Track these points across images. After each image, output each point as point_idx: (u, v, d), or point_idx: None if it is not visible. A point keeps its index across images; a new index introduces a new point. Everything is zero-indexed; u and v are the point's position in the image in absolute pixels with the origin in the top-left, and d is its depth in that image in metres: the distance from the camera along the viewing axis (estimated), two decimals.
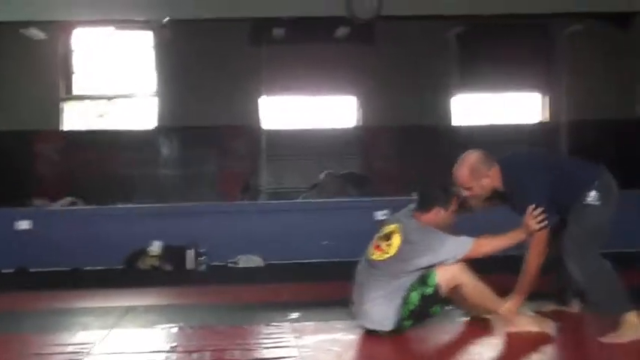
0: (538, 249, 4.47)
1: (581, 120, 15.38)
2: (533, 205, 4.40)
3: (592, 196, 4.46)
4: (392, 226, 4.66)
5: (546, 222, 4.42)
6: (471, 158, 4.66)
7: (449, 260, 4.47)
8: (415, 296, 4.44)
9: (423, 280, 4.46)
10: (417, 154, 16.68)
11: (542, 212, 4.40)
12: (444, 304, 4.56)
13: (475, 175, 4.60)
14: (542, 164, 4.72)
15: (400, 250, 4.49)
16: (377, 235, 4.71)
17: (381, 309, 4.47)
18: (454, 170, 4.67)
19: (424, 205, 4.70)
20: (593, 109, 16.50)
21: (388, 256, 4.51)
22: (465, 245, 4.49)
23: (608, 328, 4.33)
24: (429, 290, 4.43)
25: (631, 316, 4.30)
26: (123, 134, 16.05)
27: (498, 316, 4.58)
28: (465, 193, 4.67)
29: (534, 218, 4.40)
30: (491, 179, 4.60)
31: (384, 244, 4.58)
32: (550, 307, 5.02)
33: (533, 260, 4.50)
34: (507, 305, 4.51)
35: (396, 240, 4.53)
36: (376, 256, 4.57)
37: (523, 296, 4.57)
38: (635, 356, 4.15)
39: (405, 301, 4.45)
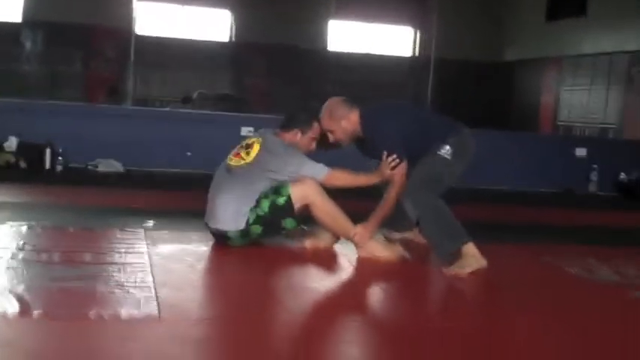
0: (397, 185, 4.62)
1: (449, 58, 15.73)
2: (386, 153, 4.56)
3: (445, 149, 4.64)
4: (253, 138, 4.75)
5: (401, 163, 4.58)
6: (331, 102, 4.84)
7: (311, 169, 4.59)
8: (266, 203, 4.51)
9: (276, 190, 4.53)
10: (289, 75, 16.71)
11: (396, 158, 4.57)
12: (298, 221, 4.62)
13: (334, 117, 4.77)
14: (401, 115, 4.90)
15: (258, 157, 4.57)
16: (237, 146, 4.75)
17: (230, 209, 4.52)
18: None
19: (286, 124, 4.81)
20: (462, 49, 16.94)
21: (245, 162, 4.58)
22: (320, 171, 4.58)
23: (452, 259, 4.50)
24: (281, 200, 4.50)
25: (469, 248, 4.48)
26: None
27: (350, 240, 4.69)
28: (330, 136, 4.83)
29: (388, 164, 4.57)
30: (349, 122, 4.75)
31: (243, 152, 4.65)
32: (397, 235, 5.18)
33: (392, 194, 4.64)
34: (359, 229, 4.62)
35: (256, 148, 4.61)
36: (234, 162, 4.64)
37: (376, 223, 4.71)
38: (474, 285, 4.35)
39: (256, 205, 4.51)
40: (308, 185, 4.52)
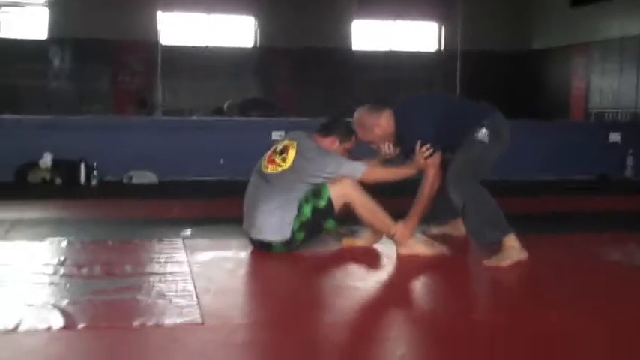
0: (431, 179, 4.63)
1: (475, 51, 15.63)
2: (419, 143, 4.57)
3: (482, 132, 4.63)
4: (286, 142, 4.70)
5: (435, 153, 4.58)
6: (357, 116, 4.84)
7: (349, 167, 4.58)
8: (307, 208, 4.50)
9: (315, 194, 4.50)
10: (316, 77, 16.73)
11: (430, 148, 4.58)
12: (338, 221, 4.62)
13: (366, 128, 4.78)
14: (431, 105, 4.93)
15: (294, 164, 4.54)
16: (270, 151, 4.73)
17: (274, 220, 4.50)
18: None
19: (324, 130, 4.77)
20: (488, 40, 16.84)
21: (282, 169, 4.55)
22: (359, 169, 4.58)
23: (491, 251, 4.49)
24: (322, 203, 4.49)
25: (510, 240, 4.47)
26: (13, 44, 15.52)
27: (391, 238, 4.68)
28: (374, 146, 4.86)
29: (422, 154, 4.58)
30: (381, 127, 4.76)
31: (278, 158, 4.60)
32: (435, 229, 5.17)
33: (426, 189, 4.65)
34: (399, 227, 4.61)
35: (291, 154, 4.57)
36: (270, 169, 4.59)
37: (416, 220, 4.70)
38: (515, 277, 4.32)
39: (298, 213, 4.50)
40: (346, 184, 4.51)
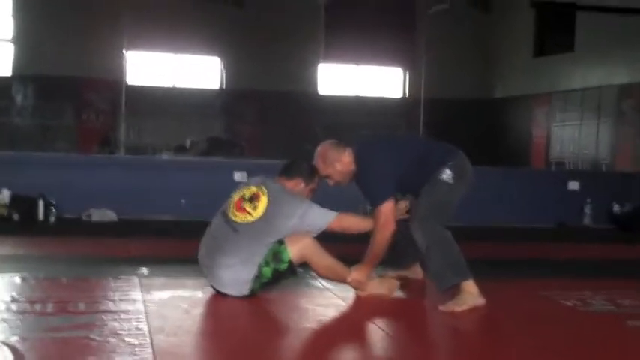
0: (380, 226, 4.60)
1: (439, 97, 15.81)
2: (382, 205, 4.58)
3: (447, 173, 4.62)
4: (254, 188, 4.60)
5: (388, 200, 4.60)
6: (321, 149, 4.82)
7: (312, 228, 4.51)
8: (268, 271, 4.43)
9: (276, 257, 4.44)
10: (281, 119, 16.78)
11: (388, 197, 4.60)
12: (296, 272, 4.59)
13: (327, 162, 4.75)
14: (392, 146, 4.89)
15: (267, 212, 4.46)
16: (237, 195, 4.62)
17: (233, 275, 4.43)
18: None
19: (288, 173, 4.73)
20: (452, 88, 17.05)
21: (252, 219, 4.46)
22: (328, 215, 4.56)
23: (448, 296, 4.49)
24: (283, 266, 4.44)
25: (469, 285, 4.48)
26: None
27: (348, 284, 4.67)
28: (329, 182, 4.82)
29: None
30: (343, 164, 4.75)
31: (248, 207, 4.51)
32: (392, 273, 5.17)
33: (377, 236, 4.62)
34: (353, 274, 4.61)
35: (263, 202, 4.49)
36: (239, 218, 4.49)
37: (369, 267, 4.69)
38: (470, 322, 4.33)
39: (258, 273, 4.43)
40: (305, 245, 4.46)
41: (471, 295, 4.46)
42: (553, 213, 9.49)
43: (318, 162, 4.77)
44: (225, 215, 4.59)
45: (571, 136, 15.63)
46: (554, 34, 16.25)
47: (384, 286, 4.73)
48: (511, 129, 17.52)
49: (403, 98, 18.25)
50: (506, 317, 4.42)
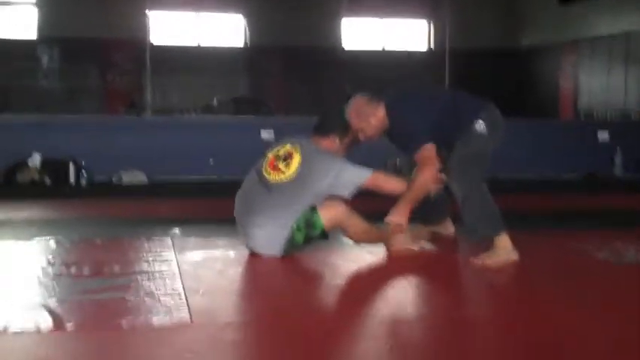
0: (423, 172, 4.56)
1: (464, 48, 15.65)
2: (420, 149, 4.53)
3: (480, 125, 4.58)
4: (288, 146, 4.59)
5: (429, 145, 4.55)
6: (356, 101, 4.75)
7: (347, 186, 4.49)
8: (300, 236, 4.43)
9: (308, 223, 4.43)
10: (305, 76, 16.72)
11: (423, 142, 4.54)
12: (327, 237, 4.59)
13: (362, 116, 4.69)
14: (424, 99, 4.85)
15: (299, 172, 4.45)
16: (271, 153, 4.61)
17: (268, 236, 4.44)
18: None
19: (322, 130, 4.69)
20: (477, 38, 16.87)
21: (285, 177, 4.45)
22: (363, 174, 4.53)
23: (481, 250, 4.49)
24: (316, 232, 4.44)
25: (502, 239, 4.47)
26: (2, 43, 15.47)
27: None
28: (361, 135, 4.76)
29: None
30: (377, 118, 4.69)
31: (281, 164, 4.50)
32: (424, 229, 5.17)
33: (419, 180, 4.57)
34: (393, 218, 4.56)
35: (296, 161, 4.48)
36: (273, 176, 4.48)
37: (408, 207, 4.61)
38: (503, 276, 4.33)
39: (290, 238, 4.43)
40: (338, 211, 4.44)
41: (504, 249, 4.46)
42: (583, 164, 9.43)
43: (351, 116, 4.71)
44: (259, 173, 4.58)
45: (599, 85, 15.45)
46: None
47: (413, 237, 4.74)
48: (537, 79, 17.34)
49: (428, 51, 18.09)
50: (538, 271, 4.41)
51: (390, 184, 4.65)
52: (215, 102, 14.23)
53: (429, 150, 4.56)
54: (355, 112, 4.72)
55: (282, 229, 4.43)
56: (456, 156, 4.59)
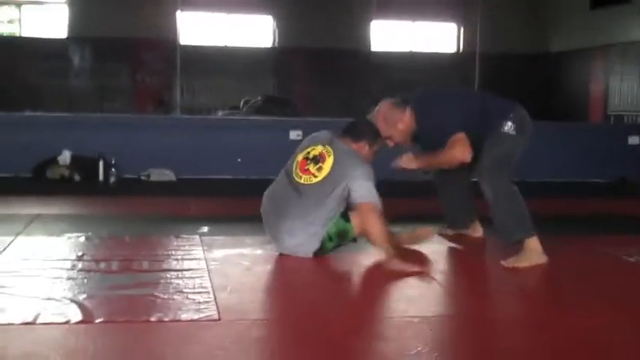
0: (454, 146, 4.50)
1: (494, 52, 15.58)
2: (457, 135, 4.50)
3: (509, 125, 4.56)
4: (320, 147, 4.54)
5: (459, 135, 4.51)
6: (382, 108, 4.73)
7: (352, 195, 4.40)
8: (330, 245, 4.43)
9: (341, 234, 4.43)
10: (334, 77, 16.73)
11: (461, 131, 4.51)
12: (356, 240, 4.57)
13: (389, 122, 4.67)
14: (456, 96, 4.87)
15: (331, 173, 4.41)
16: (301, 154, 4.57)
17: (299, 244, 4.42)
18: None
19: (354, 134, 4.63)
20: (507, 42, 16.79)
21: (317, 180, 4.42)
22: (370, 197, 4.40)
23: (511, 252, 4.46)
24: (347, 241, 4.48)
25: (533, 242, 4.44)
26: (34, 42, 15.62)
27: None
28: (390, 143, 4.74)
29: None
30: (405, 123, 4.67)
31: (313, 168, 4.46)
32: (452, 232, 5.15)
33: (449, 153, 4.52)
34: (407, 155, 4.64)
35: (328, 164, 4.43)
36: (304, 179, 4.45)
37: (426, 161, 4.65)
38: (532, 279, 4.30)
39: (321, 246, 4.42)
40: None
41: (534, 252, 4.43)
42: (613, 168, 9.33)
43: (379, 123, 4.68)
44: (289, 175, 4.55)
45: (630, 90, 15.32)
46: None
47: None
48: (568, 83, 17.23)
49: (457, 53, 18.03)
50: (568, 274, 4.38)
51: (377, 226, 4.38)
52: (242, 103, 14.26)
53: (461, 137, 4.52)
54: (383, 119, 4.69)
55: (313, 239, 4.40)
56: (485, 156, 4.57)
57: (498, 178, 4.52)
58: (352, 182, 4.40)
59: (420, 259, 4.56)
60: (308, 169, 4.48)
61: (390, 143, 4.76)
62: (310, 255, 4.45)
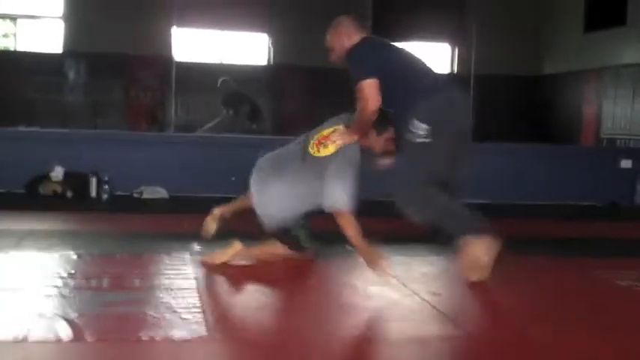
0: (362, 100, 4.40)
1: (487, 74, 15.62)
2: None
3: (418, 128, 4.28)
4: (341, 128, 4.61)
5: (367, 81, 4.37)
6: (342, 18, 4.68)
7: (336, 204, 4.40)
8: (302, 233, 4.58)
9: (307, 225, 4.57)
10: (329, 96, 16.74)
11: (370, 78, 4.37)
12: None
13: (338, 32, 4.63)
14: (388, 50, 4.68)
15: (338, 151, 4.48)
16: (324, 131, 4.65)
17: (277, 207, 4.55)
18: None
19: None
20: (501, 64, 16.85)
21: (320, 155, 4.52)
22: (344, 196, 4.39)
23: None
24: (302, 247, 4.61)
25: (472, 242, 4.26)
26: (29, 56, 15.62)
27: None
28: (332, 54, 4.70)
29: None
30: (352, 41, 4.55)
31: (330, 143, 4.54)
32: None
33: (362, 112, 4.43)
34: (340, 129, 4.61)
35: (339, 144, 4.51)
36: (314, 151, 4.55)
37: (354, 133, 4.52)
38: (516, 299, 4.31)
39: (293, 228, 4.58)
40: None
41: (473, 260, 4.26)
42: (605, 191, 9.35)
43: (330, 29, 4.64)
44: (303, 146, 4.66)
45: (623, 113, 15.37)
46: (605, 8, 15.93)
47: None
48: (561, 106, 17.28)
49: (451, 74, 18.09)
50: (557, 295, 4.39)
51: (350, 230, 4.40)
52: (219, 82, 13.97)
53: (367, 83, 4.36)
54: (335, 28, 4.64)
55: (288, 206, 4.54)
56: (395, 179, 4.42)
57: (410, 196, 4.31)
58: (327, 181, 4.41)
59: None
60: (325, 143, 4.56)
61: (332, 56, 4.72)
62: (275, 224, 4.54)
